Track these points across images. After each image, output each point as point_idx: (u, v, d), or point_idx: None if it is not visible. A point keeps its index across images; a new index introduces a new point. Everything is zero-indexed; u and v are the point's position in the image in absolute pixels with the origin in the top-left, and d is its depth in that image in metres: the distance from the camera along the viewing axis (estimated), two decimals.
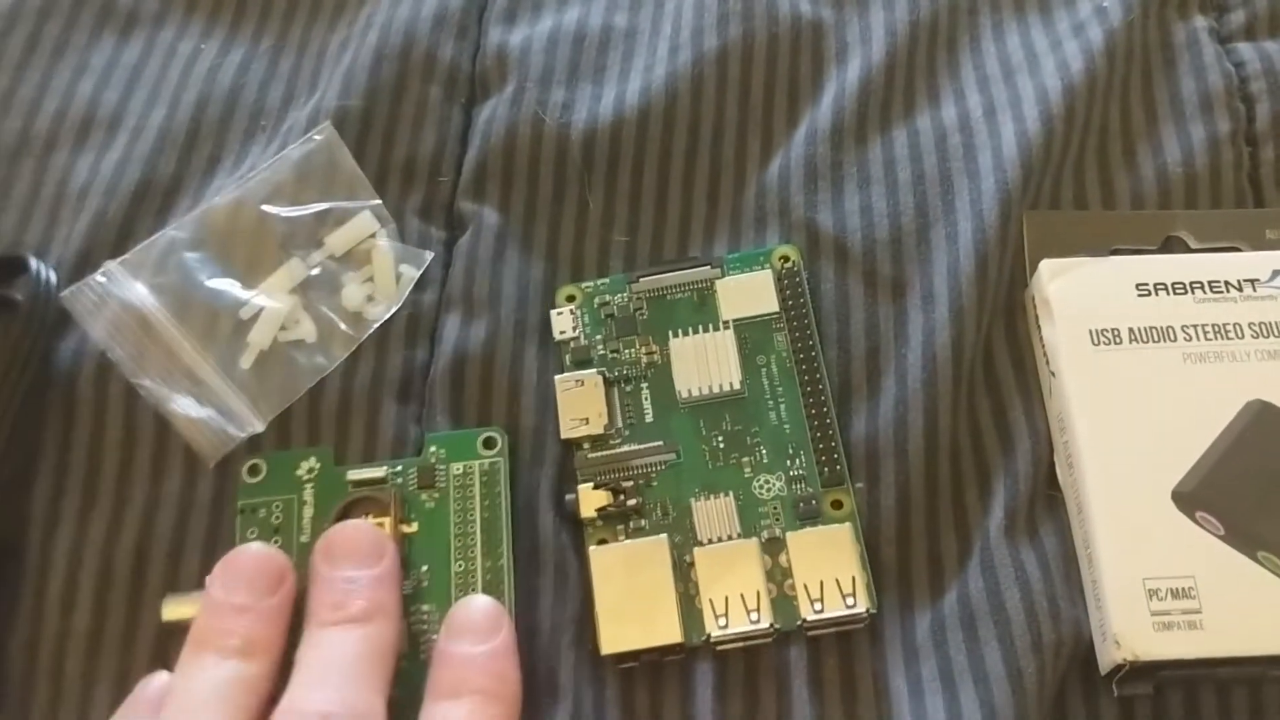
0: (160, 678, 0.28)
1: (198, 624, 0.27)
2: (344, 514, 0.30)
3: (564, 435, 0.32)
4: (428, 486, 0.31)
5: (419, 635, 0.29)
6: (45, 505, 0.31)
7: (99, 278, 0.33)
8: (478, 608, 0.28)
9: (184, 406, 0.32)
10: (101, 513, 0.31)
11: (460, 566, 0.30)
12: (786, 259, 0.34)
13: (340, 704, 0.26)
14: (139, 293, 0.33)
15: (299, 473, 0.31)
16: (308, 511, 0.31)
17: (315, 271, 0.34)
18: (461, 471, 0.31)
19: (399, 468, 0.31)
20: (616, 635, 0.29)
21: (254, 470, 0.31)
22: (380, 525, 0.30)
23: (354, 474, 0.31)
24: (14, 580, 0.31)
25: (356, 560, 0.28)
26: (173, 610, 0.29)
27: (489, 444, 0.31)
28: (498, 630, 0.28)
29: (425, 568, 0.30)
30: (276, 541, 0.30)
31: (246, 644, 0.27)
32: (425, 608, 0.30)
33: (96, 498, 0.32)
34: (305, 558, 0.30)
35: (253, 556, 0.29)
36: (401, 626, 0.29)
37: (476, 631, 0.28)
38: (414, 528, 0.31)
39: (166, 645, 0.30)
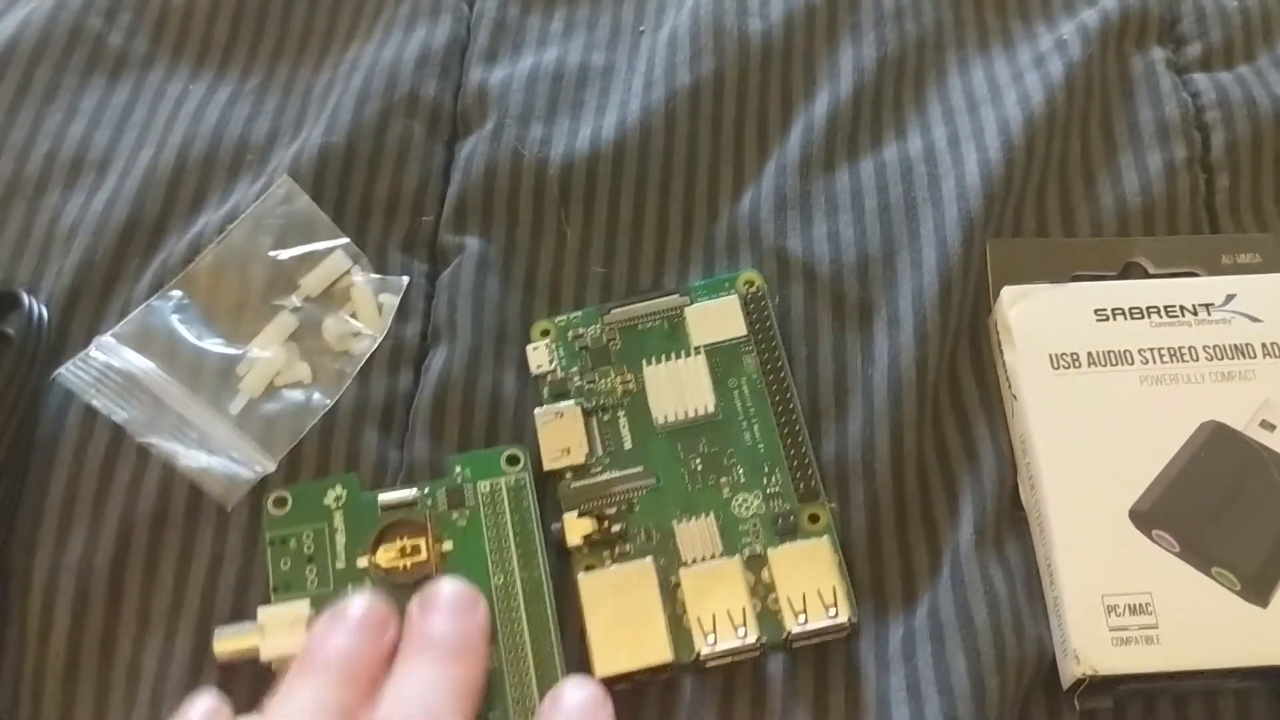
0: (207, 701, 0.28)
1: (303, 653, 0.28)
2: (381, 538, 0.31)
3: (546, 467, 0.33)
4: (458, 506, 0.32)
5: None
6: (24, 534, 0.32)
7: (94, 352, 0.34)
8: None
9: (194, 458, 0.33)
10: (78, 535, 0.32)
11: (500, 580, 0.31)
12: (751, 283, 0.35)
13: None
14: (133, 360, 0.34)
15: (326, 501, 0.32)
16: (340, 539, 0.32)
17: (301, 316, 0.35)
18: (489, 489, 0.32)
19: (427, 490, 0.32)
20: (609, 658, 0.30)
21: (280, 502, 0.32)
22: (417, 545, 0.31)
23: (385, 498, 0.32)
24: (6, 608, 0.31)
25: (449, 612, 0.29)
26: (224, 644, 0.30)
27: (512, 461, 0.33)
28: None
29: None
30: (311, 569, 0.31)
31: (346, 675, 0.28)
32: None
33: (73, 522, 0.32)
34: (341, 585, 0.31)
35: (361, 608, 0.29)
36: (486, 672, 0.29)
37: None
38: (449, 546, 0.32)
39: (140, 663, 0.31)
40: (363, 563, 0.31)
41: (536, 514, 0.32)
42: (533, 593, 0.31)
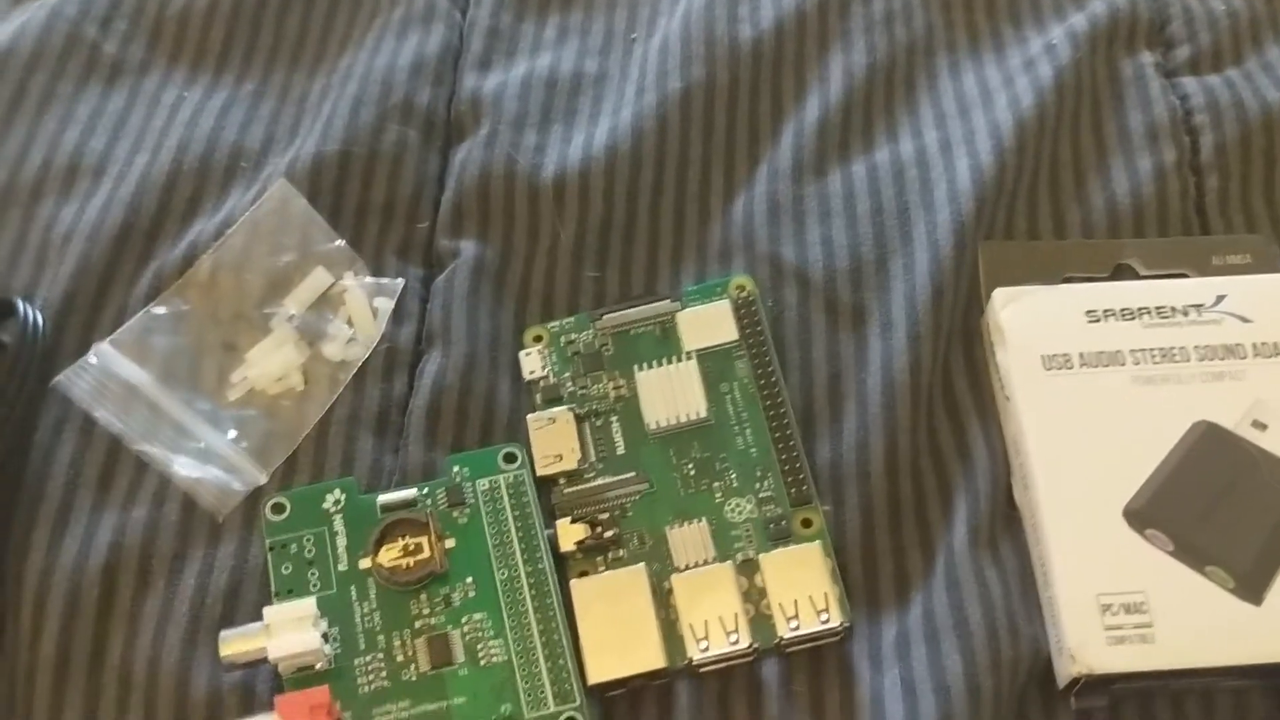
0: None
1: None
2: (383, 538, 0.32)
3: (539, 473, 0.33)
4: (458, 504, 0.32)
5: (475, 644, 0.31)
6: (18, 537, 0.32)
7: (91, 359, 0.34)
8: None
9: (187, 468, 0.33)
10: (71, 544, 0.32)
11: (504, 574, 0.31)
12: (743, 288, 0.35)
13: None
14: (130, 368, 0.34)
15: (325, 505, 0.32)
16: (340, 541, 0.32)
17: (295, 324, 0.35)
18: (488, 487, 0.32)
19: (426, 490, 0.32)
20: (602, 665, 0.30)
21: (278, 508, 0.32)
22: (419, 544, 0.31)
23: (384, 499, 0.32)
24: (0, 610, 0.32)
25: None
26: (231, 646, 0.30)
27: (509, 458, 0.33)
28: None
29: (470, 579, 0.31)
30: (313, 573, 0.31)
31: None
32: (477, 616, 0.31)
33: (67, 530, 0.32)
34: (345, 588, 0.31)
35: None
36: None
37: None
38: (452, 543, 0.32)
39: (130, 667, 0.31)
40: (365, 564, 0.31)
41: (537, 509, 0.32)
42: (538, 585, 0.31)
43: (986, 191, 0.36)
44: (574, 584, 0.31)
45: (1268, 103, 0.38)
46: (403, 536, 0.32)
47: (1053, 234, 0.37)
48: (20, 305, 0.35)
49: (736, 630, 0.30)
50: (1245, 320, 0.33)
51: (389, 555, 0.31)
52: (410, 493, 0.32)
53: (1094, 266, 0.36)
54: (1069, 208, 0.37)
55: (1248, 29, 0.40)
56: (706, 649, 0.30)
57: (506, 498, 0.32)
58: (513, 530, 0.32)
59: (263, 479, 0.33)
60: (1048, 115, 0.38)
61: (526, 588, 0.31)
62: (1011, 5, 0.41)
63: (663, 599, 0.31)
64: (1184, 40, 0.40)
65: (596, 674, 0.30)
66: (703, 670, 0.30)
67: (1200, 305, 0.33)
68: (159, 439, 0.33)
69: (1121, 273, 0.36)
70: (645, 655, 0.30)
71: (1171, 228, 0.37)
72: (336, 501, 0.32)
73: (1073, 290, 0.34)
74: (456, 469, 0.33)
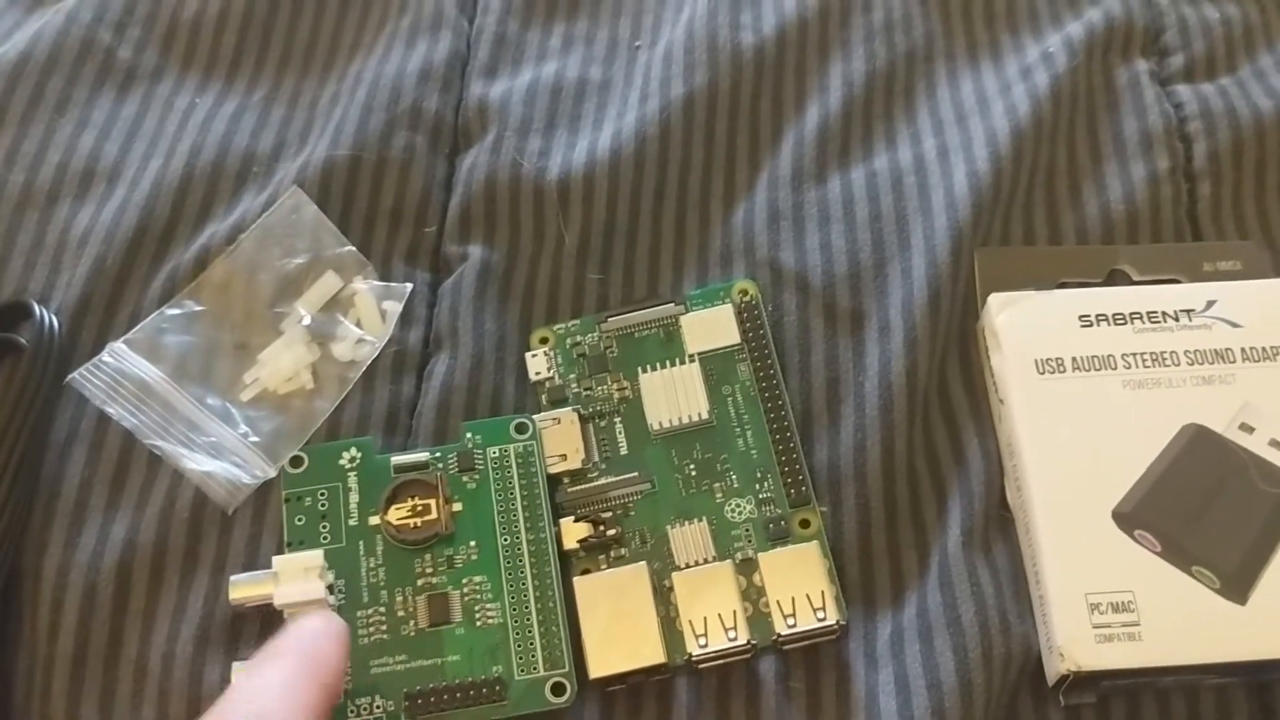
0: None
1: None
2: (393, 497, 0.33)
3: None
4: (468, 469, 0.33)
5: (472, 605, 0.32)
6: (35, 534, 0.33)
7: (106, 358, 0.35)
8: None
9: (198, 462, 0.34)
10: (87, 540, 0.33)
11: (507, 540, 0.32)
12: (745, 293, 0.36)
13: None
14: (144, 367, 0.35)
15: (341, 462, 0.34)
16: (353, 497, 0.33)
17: (306, 323, 0.36)
18: (498, 455, 0.33)
19: (438, 453, 0.33)
20: (603, 660, 0.31)
21: (296, 462, 0.34)
22: (427, 505, 0.33)
23: (398, 460, 0.33)
24: (17, 606, 0.32)
25: (321, 630, 0.29)
26: (239, 590, 0.31)
27: (520, 429, 0.34)
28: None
29: (473, 543, 0.33)
30: (324, 526, 0.33)
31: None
32: (478, 579, 0.32)
33: (83, 527, 0.33)
34: (354, 542, 0.33)
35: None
36: (337, 696, 0.28)
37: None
38: (459, 507, 0.33)
39: (145, 661, 0.32)
40: (374, 520, 0.33)
41: (544, 480, 0.33)
42: (538, 553, 0.32)
43: (983, 198, 0.37)
44: (577, 581, 0.32)
45: (1260, 111, 0.39)
46: (413, 497, 0.33)
47: (1048, 240, 0.38)
48: (36, 308, 0.35)
49: (735, 627, 0.31)
50: (1234, 325, 0.34)
51: (398, 514, 0.33)
52: (423, 455, 0.33)
53: (1088, 272, 0.36)
54: (1064, 214, 0.38)
55: (1241, 36, 0.41)
56: (705, 645, 0.31)
57: (515, 467, 0.33)
58: (518, 498, 0.33)
59: (272, 472, 0.34)
60: (1044, 123, 0.38)
61: (527, 555, 0.32)
62: (1009, 14, 0.42)
63: (663, 596, 0.32)
64: (1178, 49, 0.41)
65: (598, 669, 0.31)
66: (701, 666, 0.31)
67: (1191, 310, 0.34)
68: (171, 435, 0.34)
69: (1115, 278, 0.36)
70: (646, 651, 0.31)
71: (1164, 234, 0.37)
72: (353, 459, 0.34)
73: (1066, 295, 0.35)
74: (469, 435, 0.34)
